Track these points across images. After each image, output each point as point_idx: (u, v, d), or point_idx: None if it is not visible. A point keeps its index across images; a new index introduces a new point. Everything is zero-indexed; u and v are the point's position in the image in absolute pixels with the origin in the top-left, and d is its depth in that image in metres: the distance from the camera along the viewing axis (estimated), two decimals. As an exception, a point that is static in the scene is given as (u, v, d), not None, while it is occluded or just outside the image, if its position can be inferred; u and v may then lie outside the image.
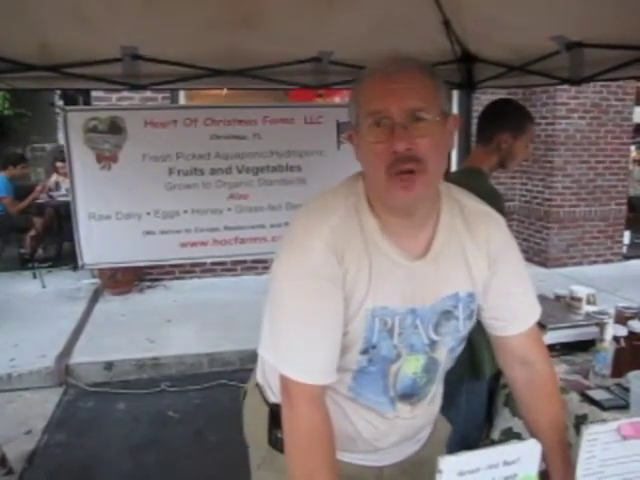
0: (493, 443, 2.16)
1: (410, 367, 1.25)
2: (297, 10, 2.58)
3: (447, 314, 1.23)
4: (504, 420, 2.24)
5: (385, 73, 1.09)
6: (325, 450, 1.12)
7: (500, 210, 2.19)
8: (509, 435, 2.18)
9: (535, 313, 1.32)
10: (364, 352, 1.20)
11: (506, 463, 1.00)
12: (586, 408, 1.92)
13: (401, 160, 1.06)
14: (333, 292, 1.13)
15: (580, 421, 1.85)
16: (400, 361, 1.23)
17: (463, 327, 1.26)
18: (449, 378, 2.29)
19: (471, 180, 2.31)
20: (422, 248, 1.20)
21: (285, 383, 1.15)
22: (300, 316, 1.14)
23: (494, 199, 2.22)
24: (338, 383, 1.22)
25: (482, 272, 1.25)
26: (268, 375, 1.39)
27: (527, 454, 1.02)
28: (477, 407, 2.33)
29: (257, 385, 1.46)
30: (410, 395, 1.28)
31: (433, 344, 1.24)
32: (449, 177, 2.57)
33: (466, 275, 1.23)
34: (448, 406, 2.42)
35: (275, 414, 1.29)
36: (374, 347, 1.19)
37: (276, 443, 1.33)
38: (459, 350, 1.32)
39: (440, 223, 1.21)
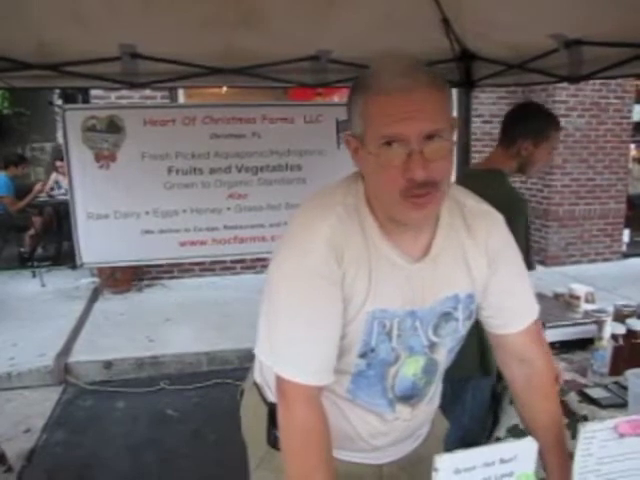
0: (499, 441, 2.16)
1: (410, 369, 1.25)
2: (296, 9, 2.58)
3: (447, 316, 1.23)
4: (510, 418, 2.24)
5: (398, 90, 1.02)
6: (321, 450, 1.11)
7: (522, 211, 2.19)
8: (515, 433, 2.17)
9: (534, 311, 1.32)
10: (363, 355, 1.19)
11: (503, 461, 0.99)
12: (585, 409, 1.92)
13: (418, 186, 1.03)
14: (332, 292, 1.12)
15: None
16: (398, 363, 1.22)
17: (462, 328, 1.26)
18: (457, 374, 2.29)
19: (492, 180, 2.31)
20: (422, 250, 1.19)
21: (281, 383, 1.14)
22: (297, 316, 1.12)
23: (516, 200, 2.22)
24: (336, 385, 1.22)
25: (482, 271, 1.24)
26: (266, 374, 1.38)
27: (524, 452, 1.02)
28: (482, 404, 2.33)
29: (255, 384, 1.46)
30: (410, 397, 1.28)
31: (433, 345, 1.24)
32: (468, 177, 2.56)
33: (466, 276, 1.23)
34: (454, 402, 2.43)
35: (274, 413, 1.27)
36: (373, 350, 1.18)
37: (275, 442, 1.32)
38: (457, 349, 1.32)
39: (440, 223, 1.20)
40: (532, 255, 2.27)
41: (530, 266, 2.23)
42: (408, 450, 1.40)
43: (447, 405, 2.46)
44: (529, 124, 2.32)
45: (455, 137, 1.17)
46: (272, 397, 1.34)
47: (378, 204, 1.16)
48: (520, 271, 1.31)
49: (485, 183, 2.39)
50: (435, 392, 1.37)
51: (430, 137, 1.03)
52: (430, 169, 1.03)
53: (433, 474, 0.95)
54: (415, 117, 1.01)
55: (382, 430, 1.29)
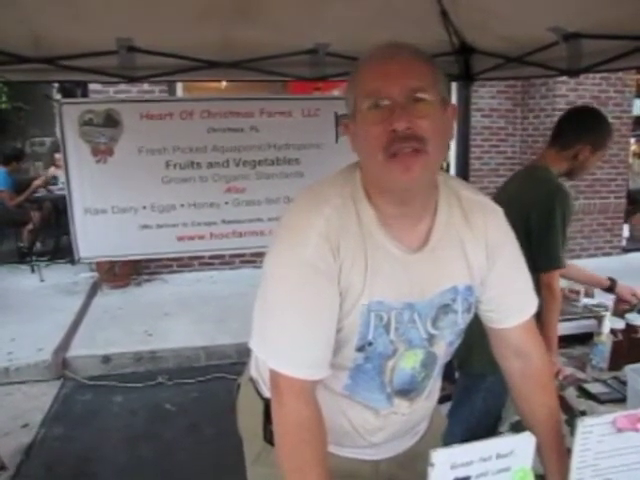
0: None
1: (409, 362, 1.23)
2: (294, 1, 2.56)
3: (445, 308, 1.21)
4: (513, 414, 2.24)
5: (382, 55, 1.08)
6: (315, 445, 1.09)
7: (561, 205, 2.18)
8: (518, 429, 2.17)
9: (532, 305, 1.31)
10: (360, 349, 1.17)
11: (499, 456, 0.99)
12: (584, 404, 1.91)
13: (401, 139, 1.03)
14: (326, 285, 1.11)
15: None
16: (396, 357, 1.21)
17: (462, 320, 1.25)
18: (474, 367, 2.28)
19: (535, 174, 2.31)
20: (420, 240, 1.18)
21: (274, 377, 1.13)
22: (291, 309, 1.11)
23: (556, 193, 2.21)
24: (334, 382, 1.21)
25: (480, 264, 1.23)
26: (261, 369, 1.37)
27: (521, 447, 1.01)
28: (493, 407, 2.31)
29: (251, 379, 1.45)
30: (408, 391, 1.27)
31: (431, 338, 1.23)
32: (515, 174, 2.55)
33: (464, 268, 1.21)
34: (463, 402, 2.42)
35: (270, 409, 1.25)
36: (370, 344, 1.17)
37: (271, 438, 1.28)
38: (457, 343, 1.30)
39: (438, 214, 1.19)
40: (563, 251, 2.23)
41: (559, 262, 2.21)
42: (406, 447, 1.39)
43: (457, 402, 2.46)
44: (591, 130, 2.29)
45: (454, 129, 1.16)
46: (267, 392, 1.33)
47: (371, 181, 1.15)
48: (519, 264, 1.29)
49: (528, 176, 2.41)
50: (434, 387, 1.35)
51: (414, 97, 1.05)
52: (413, 123, 1.04)
53: (429, 469, 0.94)
54: (397, 73, 1.05)
55: (379, 425, 1.28)
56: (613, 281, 2.58)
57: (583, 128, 2.29)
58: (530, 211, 2.19)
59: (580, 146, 2.27)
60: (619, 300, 2.55)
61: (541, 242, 2.17)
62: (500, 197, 2.46)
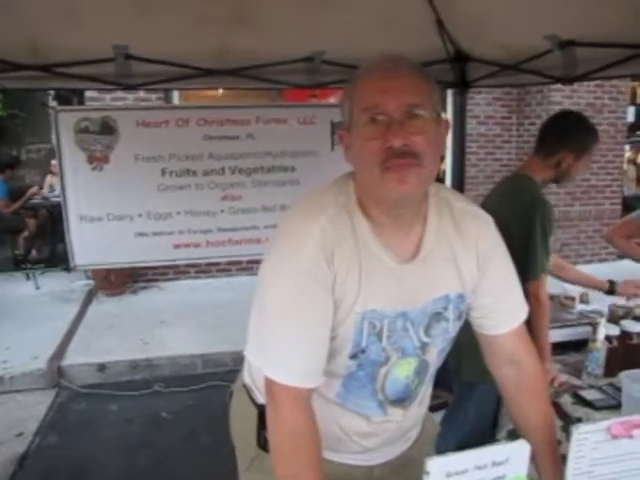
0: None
1: (403, 371, 1.24)
2: (290, 9, 2.57)
3: (437, 316, 1.22)
4: (509, 421, 2.24)
5: (381, 70, 1.09)
6: (310, 452, 1.10)
7: (547, 217, 2.17)
8: (515, 436, 2.17)
9: (523, 311, 1.33)
10: (353, 357, 1.18)
11: (495, 464, 0.98)
12: (579, 411, 1.91)
13: (397, 155, 1.05)
14: (321, 294, 1.11)
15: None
16: (389, 364, 1.22)
17: (453, 328, 1.26)
18: (462, 381, 2.27)
19: (523, 182, 2.29)
20: (411, 250, 1.19)
21: (270, 385, 1.13)
22: (286, 317, 1.11)
23: (534, 204, 2.19)
24: (327, 389, 1.21)
25: (471, 272, 1.24)
26: (254, 375, 1.39)
27: (516, 455, 1.01)
28: (486, 415, 2.30)
29: (244, 386, 1.46)
30: (402, 399, 1.28)
31: (424, 346, 1.24)
32: (498, 183, 2.53)
33: (456, 276, 1.22)
34: (457, 410, 2.42)
35: (264, 415, 1.25)
36: (363, 351, 1.18)
37: (265, 444, 1.31)
38: (447, 351, 1.32)
39: (428, 224, 1.20)
40: (547, 260, 2.19)
41: (541, 272, 2.19)
42: (399, 452, 1.39)
43: (450, 410, 2.46)
44: (574, 137, 2.25)
45: (449, 139, 1.17)
46: (261, 399, 1.34)
47: (366, 193, 1.16)
48: (509, 272, 1.31)
49: (510, 185, 2.39)
50: (425, 394, 1.36)
51: (411, 112, 1.06)
52: (409, 140, 1.05)
53: (424, 477, 0.94)
54: (394, 89, 1.06)
55: (372, 432, 1.29)
56: (613, 283, 2.57)
57: (564, 136, 2.26)
58: (510, 222, 2.17)
59: (563, 154, 2.25)
60: (628, 296, 2.53)
61: (522, 253, 2.15)
62: (485, 206, 2.45)
